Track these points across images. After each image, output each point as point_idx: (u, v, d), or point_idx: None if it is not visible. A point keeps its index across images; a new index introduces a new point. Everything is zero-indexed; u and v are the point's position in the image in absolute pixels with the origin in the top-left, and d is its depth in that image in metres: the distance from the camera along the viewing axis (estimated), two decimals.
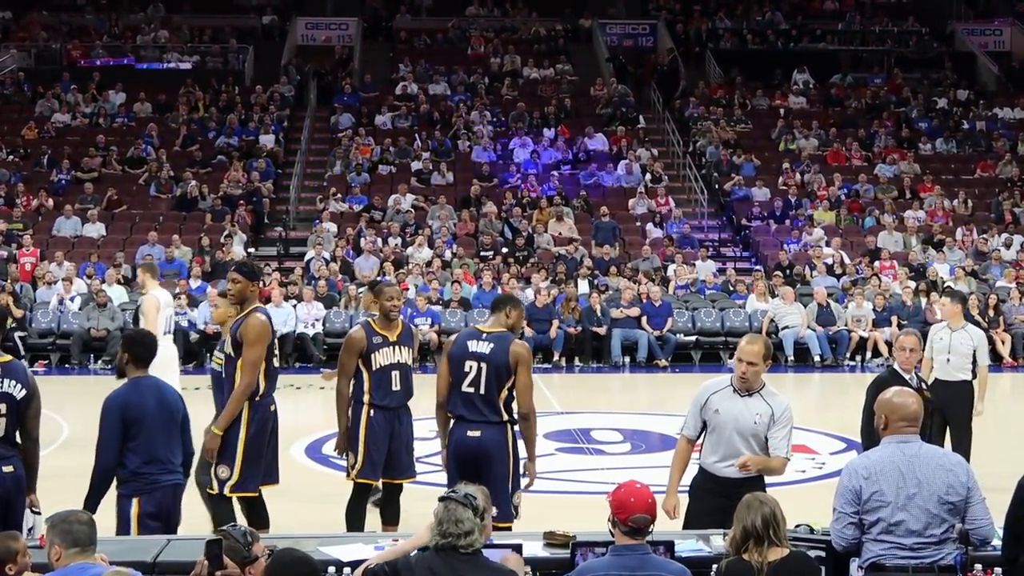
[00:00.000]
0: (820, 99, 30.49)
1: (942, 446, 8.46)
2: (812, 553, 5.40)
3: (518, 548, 5.41)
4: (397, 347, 8.06)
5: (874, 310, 20.78)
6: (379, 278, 19.54)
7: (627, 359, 20.21)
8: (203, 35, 31.79)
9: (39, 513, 6.63)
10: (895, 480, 5.23)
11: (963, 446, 9.99)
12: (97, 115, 28.08)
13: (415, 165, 26.56)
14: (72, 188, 25.20)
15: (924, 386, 8.62)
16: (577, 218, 24.77)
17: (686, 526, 6.49)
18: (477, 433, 7.39)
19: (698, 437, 6.68)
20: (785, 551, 5.14)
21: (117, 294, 20.50)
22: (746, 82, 30.73)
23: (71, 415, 13.80)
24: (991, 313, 20.61)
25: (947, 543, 5.23)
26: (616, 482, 5.37)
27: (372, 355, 7.96)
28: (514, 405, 7.51)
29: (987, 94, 31.13)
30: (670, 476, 6.74)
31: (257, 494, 7.52)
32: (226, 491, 7.39)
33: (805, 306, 20.71)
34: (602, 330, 20.30)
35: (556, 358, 20.07)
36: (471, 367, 7.42)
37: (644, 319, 20.41)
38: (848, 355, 20.52)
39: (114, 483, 6.67)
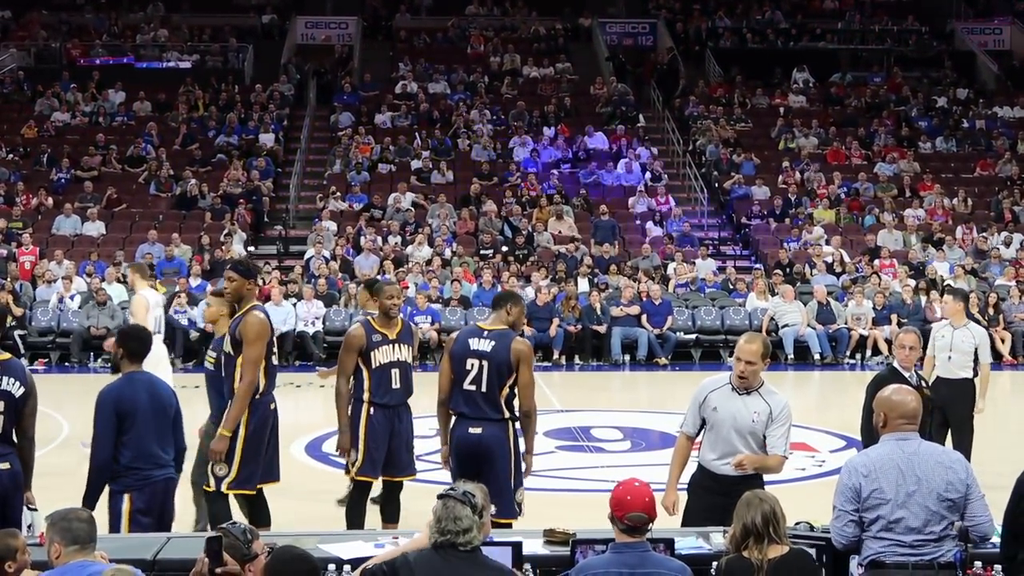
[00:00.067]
0: (820, 98, 30.49)
1: (943, 444, 8.46)
2: (812, 551, 5.40)
3: (518, 546, 5.41)
4: (397, 345, 8.06)
5: (874, 308, 20.79)
6: (378, 276, 19.55)
7: (627, 357, 20.21)
8: (203, 34, 31.80)
9: (36, 510, 6.65)
10: (894, 478, 5.23)
11: (964, 444, 9.99)
12: (97, 114, 28.08)
13: (415, 164, 26.56)
14: (72, 187, 25.20)
15: (924, 384, 8.63)
16: (577, 217, 24.78)
17: (684, 523, 6.50)
18: (478, 430, 7.40)
19: (697, 434, 6.69)
20: (785, 548, 5.14)
21: (117, 293, 20.49)
22: (746, 81, 30.73)
23: (71, 413, 13.80)
24: (991, 311, 20.62)
25: (946, 540, 5.24)
26: (616, 480, 5.37)
27: (372, 353, 7.97)
28: (515, 403, 7.52)
29: (987, 93, 31.14)
30: (669, 473, 6.75)
31: (255, 492, 7.52)
32: (223, 488, 7.38)
33: (805, 304, 20.71)
34: (602, 328, 20.30)
35: (556, 356, 20.07)
36: (473, 365, 7.42)
37: (644, 317, 20.42)
38: (848, 353, 20.52)
39: None
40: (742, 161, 26.88)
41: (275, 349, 7.51)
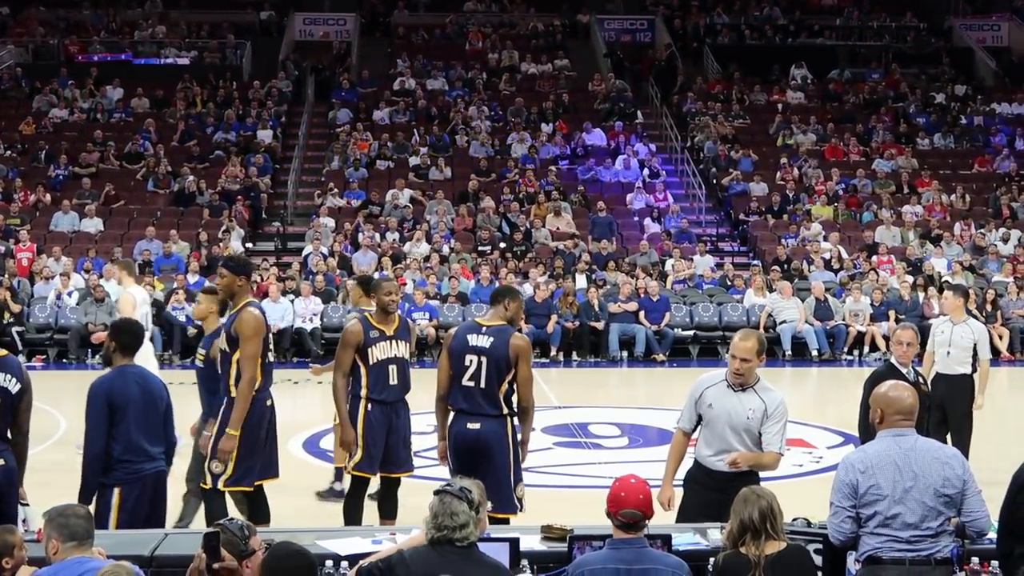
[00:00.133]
0: (818, 94, 30.50)
1: (944, 441, 8.46)
2: (809, 547, 5.41)
3: (516, 542, 5.41)
4: (394, 341, 8.06)
5: (872, 305, 20.80)
6: (373, 273, 19.56)
7: (625, 354, 20.21)
8: (201, 30, 31.78)
9: (27, 505, 6.67)
10: (891, 474, 5.24)
11: (963, 440, 9.99)
12: (95, 110, 28.07)
13: (413, 160, 26.55)
14: (70, 183, 25.19)
15: (922, 380, 8.64)
16: (575, 213, 24.78)
17: (679, 519, 6.51)
18: (477, 425, 7.41)
19: (694, 430, 6.70)
20: (782, 544, 5.15)
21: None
22: (744, 77, 30.74)
23: (68, 410, 13.78)
24: (989, 308, 20.64)
25: (943, 536, 5.24)
26: (613, 476, 5.37)
27: (369, 349, 7.96)
28: (514, 399, 7.52)
29: (985, 89, 31.14)
30: (665, 468, 6.77)
31: (252, 489, 7.51)
32: (220, 485, 7.37)
33: (803, 301, 20.72)
34: (600, 325, 20.30)
35: (554, 353, 20.07)
36: (471, 361, 7.43)
37: (642, 314, 20.41)
38: (846, 350, 20.53)
39: None
40: (740, 157, 26.88)
41: (271, 346, 7.50)
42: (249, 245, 23.39)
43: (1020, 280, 21.84)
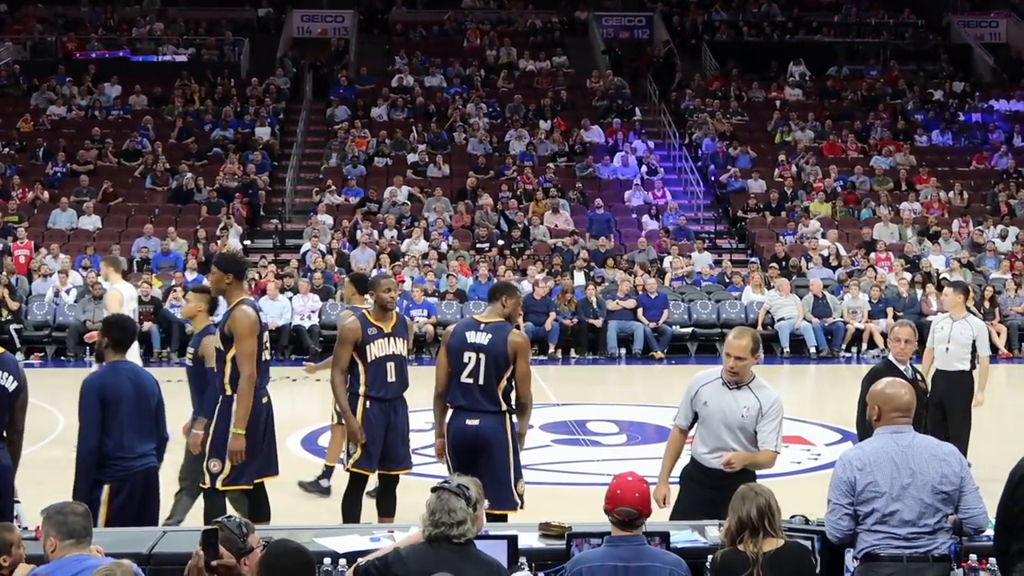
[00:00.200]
0: (816, 91, 30.49)
1: (944, 439, 8.47)
2: (807, 544, 5.41)
3: (514, 539, 5.41)
4: (392, 338, 8.06)
5: (870, 302, 20.80)
6: (369, 271, 19.57)
7: (623, 351, 20.22)
8: (198, 28, 31.77)
9: (18, 501, 6.68)
10: (889, 471, 5.24)
11: (962, 437, 9.99)
12: (92, 108, 28.04)
13: (411, 157, 26.54)
14: (67, 181, 25.17)
15: (919, 377, 8.64)
16: (573, 210, 24.77)
17: (675, 516, 6.51)
18: (475, 421, 7.41)
19: (690, 427, 6.70)
20: (780, 542, 5.15)
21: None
22: (742, 74, 30.73)
23: (66, 408, 13.76)
24: (987, 305, 20.63)
25: (941, 533, 5.24)
26: (611, 474, 5.37)
27: (367, 346, 7.96)
28: (513, 395, 7.52)
29: (983, 86, 31.14)
30: (662, 465, 6.78)
31: (250, 487, 7.50)
32: (218, 485, 7.36)
33: (801, 298, 20.72)
34: (598, 322, 20.31)
35: (552, 350, 20.07)
36: (470, 358, 7.43)
37: (640, 311, 20.41)
38: (844, 347, 20.53)
39: None
40: (738, 154, 26.88)
41: (267, 344, 7.49)
42: (247, 242, 23.38)
43: (1018, 277, 21.85)
